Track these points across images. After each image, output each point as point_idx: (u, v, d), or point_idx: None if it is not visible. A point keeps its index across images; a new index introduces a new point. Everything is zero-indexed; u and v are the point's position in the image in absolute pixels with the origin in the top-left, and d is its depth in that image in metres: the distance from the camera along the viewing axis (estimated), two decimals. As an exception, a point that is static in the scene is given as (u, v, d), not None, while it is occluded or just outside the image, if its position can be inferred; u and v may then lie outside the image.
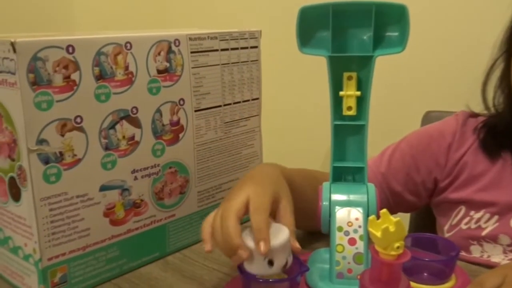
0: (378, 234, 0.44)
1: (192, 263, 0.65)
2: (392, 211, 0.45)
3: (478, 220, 0.73)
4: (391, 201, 0.79)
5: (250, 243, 0.50)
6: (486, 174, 0.74)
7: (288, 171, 0.65)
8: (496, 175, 0.74)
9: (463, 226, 0.74)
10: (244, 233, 0.51)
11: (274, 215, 0.56)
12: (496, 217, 0.72)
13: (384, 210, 0.45)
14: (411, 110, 1.01)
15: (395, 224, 0.44)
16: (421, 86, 1.09)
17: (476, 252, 0.72)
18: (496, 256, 0.71)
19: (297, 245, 0.54)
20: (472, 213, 0.74)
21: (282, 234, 0.52)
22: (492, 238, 0.71)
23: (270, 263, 0.50)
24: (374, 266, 0.46)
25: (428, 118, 0.92)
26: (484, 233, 0.72)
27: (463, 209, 0.75)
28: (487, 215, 0.72)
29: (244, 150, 0.76)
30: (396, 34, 0.55)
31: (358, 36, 0.56)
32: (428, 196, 0.80)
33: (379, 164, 0.80)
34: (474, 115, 0.79)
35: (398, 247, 0.44)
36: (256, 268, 0.50)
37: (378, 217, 0.45)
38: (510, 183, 0.73)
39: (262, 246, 0.50)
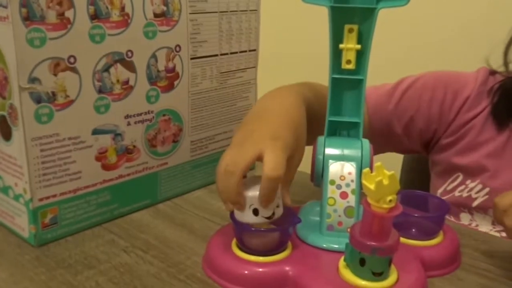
0: (372, 186, 0.44)
1: (183, 211, 0.65)
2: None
3: (471, 189, 0.73)
4: (384, 140, 0.78)
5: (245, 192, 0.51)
6: (490, 142, 0.73)
7: (309, 99, 0.63)
8: (500, 144, 0.72)
9: (456, 193, 0.74)
10: (244, 180, 0.51)
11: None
12: (487, 189, 0.71)
13: (379, 164, 0.45)
14: (408, 72, 1.00)
15: (389, 177, 0.44)
16: (422, 46, 1.07)
17: (465, 219, 0.73)
18: (484, 226, 0.71)
19: (287, 199, 0.54)
20: (468, 181, 0.73)
21: None
22: (483, 210, 0.71)
23: (255, 212, 0.50)
24: (365, 218, 0.46)
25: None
26: (474, 204, 0.71)
27: (460, 177, 0.74)
28: (480, 186, 0.72)
29: (239, 102, 0.75)
30: (401, -14, 0.53)
31: (362, -13, 0.54)
32: (423, 146, 0.79)
33: (389, 98, 0.78)
34: (493, 72, 0.76)
35: (390, 201, 0.44)
36: (242, 215, 0.51)
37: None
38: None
39: (228, 207, 0.51)
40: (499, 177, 0.71)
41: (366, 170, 0.45)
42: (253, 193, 0.50)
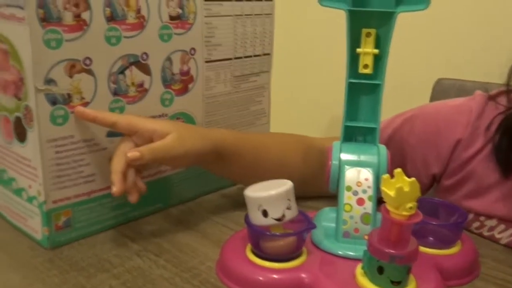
0: (392, 193, 0.43)
1: (196, 215, 0.65)
2: None
3: (492, 228, 0.64)
4: None
5: (249, 192, 0.51)
6: (497, 187, 0.63)
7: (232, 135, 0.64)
8: (509, 190, 0.62)
9: (473, 229, 0.66)
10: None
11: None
12: (510, 231, 0.63)
13: (399, 170, 0.44)
14: (422, 75, 0.99)
15: (409, 184, 0.43)
16: (436, 50, 1.06)
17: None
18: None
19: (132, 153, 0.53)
20: (482, 218, 0.65)
21: (280, 187, 0.51)
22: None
23: (264, 213, 0.50)
24: (384, 225, 0.45)
25: (440, 85, 0.90)
26: (503, 242, 0.63)
27: (471, 214, 0.66)
28: (502, 226, 0.64)
29: (252, 106, 0.75)
30: (421, -10, 0.53)
31: (381, -10, 0.54)
32: (425, 185, 0.70)
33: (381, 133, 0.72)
34: (493, 97, 0.66)
35: (410, 208, 0.44)
36: (253, 218, 0.50)
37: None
38: None
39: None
40: None
41: (385, 176, 0.44)
42: (262, 194, 0.50)
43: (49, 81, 0.51)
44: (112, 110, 0.57)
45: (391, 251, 0.45)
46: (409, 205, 0.44)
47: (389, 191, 0.44)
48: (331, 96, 1.07)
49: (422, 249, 0.53)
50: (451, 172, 0.67)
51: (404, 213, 0.44)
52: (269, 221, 0.50)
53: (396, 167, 0.44)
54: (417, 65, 1.09)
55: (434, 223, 0.55)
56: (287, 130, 0.71)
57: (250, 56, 0.72)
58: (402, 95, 0.91)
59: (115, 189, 0.53)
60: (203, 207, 0.67)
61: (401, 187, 0.43)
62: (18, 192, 0.57)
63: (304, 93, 1.32)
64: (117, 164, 0.53)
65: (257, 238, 0.51)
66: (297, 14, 1.22)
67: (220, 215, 0.65)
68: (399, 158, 0.69)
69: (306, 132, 0.72)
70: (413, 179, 0.43)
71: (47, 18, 0.49)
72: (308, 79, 1.30)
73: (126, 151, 0.54)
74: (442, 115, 0.69)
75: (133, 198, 0.55)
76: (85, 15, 0.52)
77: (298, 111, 1.29)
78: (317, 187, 0.64)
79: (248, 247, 0.52)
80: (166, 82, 0.62)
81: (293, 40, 1.26)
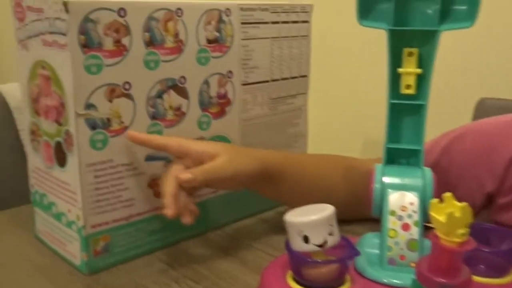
0: (442, 218, 0.41)
1: (234, 241, 0.64)
2: None
3: None
4: None
5: (289, 217, 0.49)
6: None
7: (276, 155, 0.63)
8: None
9: None
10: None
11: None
12: None
13: (449, 194, 0.42)
14: (463, 95, 0.96)
15: (460, 209, 0.41)
16: (478, 69, 1.02)
17: None
18: None
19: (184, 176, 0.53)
20: None
21: (322, 212, 0.49)
22: None
23: (305, 239, 0.48)
24: (434, 253, 0.43)
25: (483, 105, 0.87)
26: None
27: None
28: None
29: (289, 129, 0.74)
30: (465, 7, 0.51)
31: (423, 9, 0.52)
32: (476, 208, 0.66)
33: (427, 155, 0.66)
34: None
35: (462, 234, 0.41)
36: (294, 244, 0.49)
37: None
38: None
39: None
40: None
41: (434, 200, 0.42)
42: (303, 219, 0.48)
43: (89, 106, 0.51)
44: (150, 133, 0.57)
45: (442, 280, 0.42)
46: (461, 231, 0.41)
47: (438, 217, 0.41)
48: (370, 117, 1.05)
49: (473, 278, 0.50)
50: (507, 189, 0.64)
51: (456, 239, 0.41)
52: (310, 247, 0.48)
53: (446, 190, 0.42)
54: (458, 84, 1.06)
55: (485, 249, 0.52)
56: (325, 152, 0.69)
57: (287, 78, 0.71)
58: (442, 115, 0.89)
59: (170, 211, 0.52)
60: (242, 232, 0.66)
61: (452, 212, 0.41)
62: (58, 216, 0.57)
63: (342, 115, 1.30)
64: (169, 187, 0.53)
65: (298, 264, 0.49)
66: (334, 35, 1.21)
67: (259, 240, 0.63)
68: (449, 180, 0.66)
69: (344, 154, 0.71)
70: (464, 203, 0.41)
71: (88, 44, 0.50)
72: (346, 101, 1.28)
73: (178, 174, 0.53)
74: (495, 130, 0.66)
75: (187, 219, 0.54)
76: (125, 40, 0.52)
77: (336, 133, 1.27)
78: (359, 209, 0.62)
79: (289, 273, 0.51)
80: (204, 105, 0.61)
81: (330, 61, 1.25)
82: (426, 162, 0.65)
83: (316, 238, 0.48)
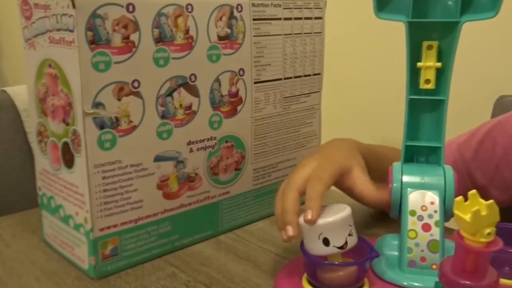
0: (467, 217, 0.39)
1: (246, 244, 0.62)
2: None
3: None
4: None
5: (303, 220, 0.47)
6: None
7: (364, 147, 0.61)
8: None
9: None
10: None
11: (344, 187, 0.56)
12: None
13: (474, 191, 0.39)
14: (482, 92, 0.93)
15: (487, 207, 0.38)
16: (498, 65, 0.99)
17: None
18: None
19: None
20: None
21: (341, 212, 0.47)
22: None
23: (325, 242, 0.46)
24: (458, 254, 0.41)
25: (502, 103, 0.85)
26: None
27: None
28: None
29: (302, 128, 0.72)
30: (487, -3, 0.49)
31: (442, 0, 0.50)
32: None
33: (464, 149, 0.69)
34: None
35: (489, 234, 0.39)
36: (313, 247, 0.47)
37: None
38: None
39: (308, 214, 0.46)
40: None
41: (459, 198, 0.40)
42: (323, 221, 0.46)
43: (97, 105, 0.50)
44: (159, 133, 0.55)
45: (467, 282, 0.40)
46: (487, 230, 0.39)
47: (463, 215, 0.39)
48: (386, 115, 1.02)
49: (504, 281, 0.48)
50: None
51: (482, 239, 0.39)
52: (331, 250, 0.46)
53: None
54: (477, 81, 1.03)
55: (511, 250, 0.49)
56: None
57: (300, 76, 0.69)
58: (461, 113, 0.86)
59: (293, 233, 0.47)
60: (254, 235, 0.64)
61: (478, 210, 0.38)
62: (65, 219, 0.55)
63: (357, 114, 1.27)
64: (294, 204, 0.49)
65: (314, 267, 0.47)
66: (349, 31, 1.18)
67: (271, 242, 0.61)
68: (494, 164, 0.66)
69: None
70: (491, 201, 0.38)
71: (96, 41, 0.48)
72: (361, 99, 1.25)
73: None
74: None
75: (294, 234, 0.48)
76: (133, 37, 0.51)
77: (350, 133, 1.24)
78: None
79: (304, 277, 0.49)
80: (215, 104, 0.60)
81: (344, 58, 1.22)
82: (470, 144, 0.67)
83: (337, 240, 0.46)
